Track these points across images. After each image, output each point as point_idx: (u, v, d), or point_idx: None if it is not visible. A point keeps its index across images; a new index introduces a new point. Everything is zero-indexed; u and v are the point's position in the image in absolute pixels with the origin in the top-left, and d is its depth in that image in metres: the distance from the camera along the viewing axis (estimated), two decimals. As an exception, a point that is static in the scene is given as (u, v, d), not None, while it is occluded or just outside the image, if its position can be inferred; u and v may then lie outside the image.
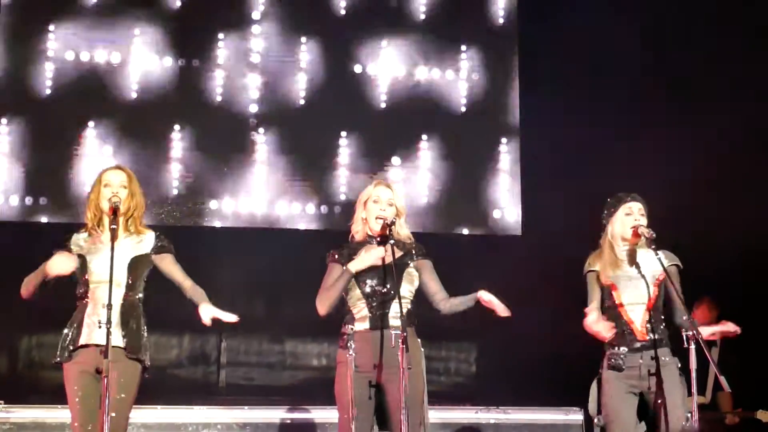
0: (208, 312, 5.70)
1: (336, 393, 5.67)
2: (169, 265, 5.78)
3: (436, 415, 7.62)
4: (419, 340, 5.75)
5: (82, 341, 5.55)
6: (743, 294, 8.73)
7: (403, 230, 5.86)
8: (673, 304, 5.96)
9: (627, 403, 5.83)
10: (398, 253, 5.78)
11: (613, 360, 5.86)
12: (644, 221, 6.00)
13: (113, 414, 5.40)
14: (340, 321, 5.81)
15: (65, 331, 5.64)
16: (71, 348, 5.57)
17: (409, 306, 5.76)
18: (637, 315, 5.91)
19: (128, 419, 5.64)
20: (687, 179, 8.96)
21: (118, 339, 5.55)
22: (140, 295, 5.73)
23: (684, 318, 5.72)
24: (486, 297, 5.75)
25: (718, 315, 8.57)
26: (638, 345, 5.87)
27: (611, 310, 5.96)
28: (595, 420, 5.90)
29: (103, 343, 5.33)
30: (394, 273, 5.63)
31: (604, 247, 6.06)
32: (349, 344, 5.58)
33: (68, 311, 5.71)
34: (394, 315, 5.61)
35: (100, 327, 5.43)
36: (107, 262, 5.44)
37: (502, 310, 5.75)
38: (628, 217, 6.00)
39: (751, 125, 9.15)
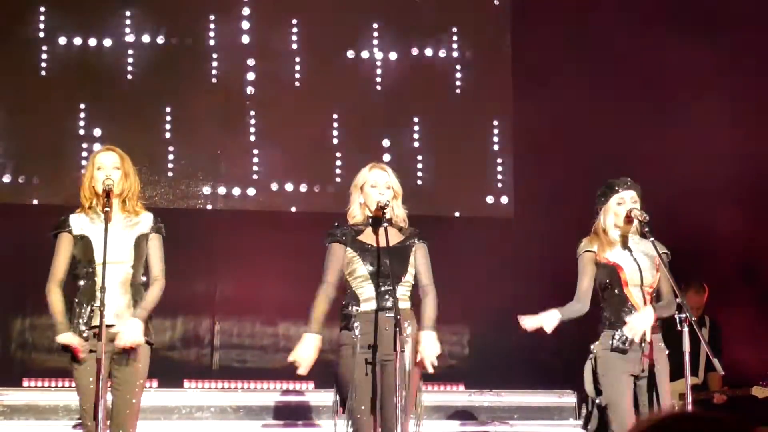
0: (130, 330, 5.57)
1: (339, 374, 5.68)
2: (154, 247, 5.74)
3: (429, 397, 7.63)
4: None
5: (97, 323, 5.51)
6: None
7: (400, 211, 5.87)
8: (660, 290, 6.00)
9: (629, 385, 5.86)
10: (400, 237, 5.80)
11: (617, 342, 5.85)
12: (638, 207, 5.99)
13: (134, 400, 5.52)
14: (334, 302, 5.82)
15: (75, 311, 5.61)
16: (87, 328, 5.55)
17: (411, 289, 5.80)
18: (638, 297, 5.92)
19: None
20: (685, 163, 8.98)
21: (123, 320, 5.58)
22: (143, 275, 5.73)
23: (677, 301, 5.74)
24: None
25: (706, 297, 8.63)
26: None
27: (617, 290, 5.94)
28: (597, 401, 5.89)
29: (116, 323, 5.45)
30: (398, 256, 5.67)
31: (597, 232, 6.06)
32: (354, 326, 5.60)
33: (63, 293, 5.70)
34: (397, 297, 5.60)
35: (93, 310, 5.44)
36: (111, 243, 5.45)
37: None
38: (621, 207, 6.00)
39: (747, 105, 9.18)
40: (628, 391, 5.85)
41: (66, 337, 5.54)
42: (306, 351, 5.68)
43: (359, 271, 5.75)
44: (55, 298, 5.64)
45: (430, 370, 5.71)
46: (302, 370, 5.69)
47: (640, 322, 5.80)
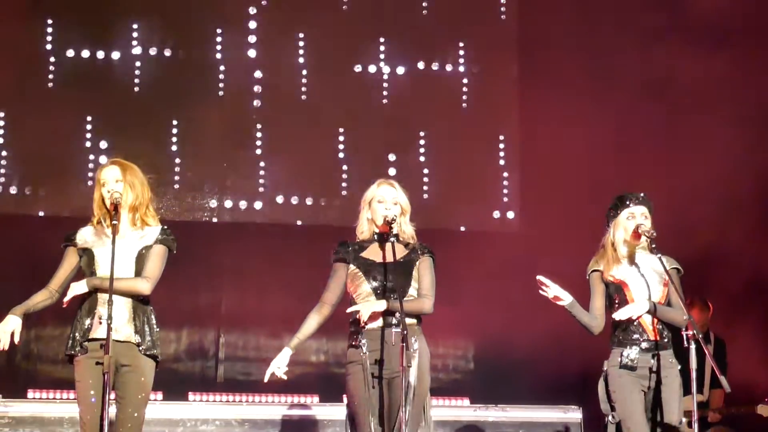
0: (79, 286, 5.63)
1: (348, 390, 5.69)
2: (152, 254, 5.69)
3: (435, 412, 7.57)
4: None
5: (95, 334, 5.52)
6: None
7: (408, 228, 5.87)
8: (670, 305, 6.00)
9: (639, 401, 5.87)
10: (404, 252, 5.79)
11: (626, 359, 5.88)
12: (648, 223, 5.99)
13: (136, 414, 5.52)
14: (338, 317, 5.82)
15: (75, 323, 5.63)
16: (83, 340, 5.56)
17: None
18: (646, 315, 5.92)
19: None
20: (689, 177, 8.98)
21: (129, 335, 5.56)
22: None
23: (684, 318, 5.75)
24: None
25: (711, 314, 8.62)
26: (648, 345, 5.89)
27: (622, 308, 5.96)
28: (609, 418, 5.90)
29: (116, 337, 5.39)
30: (401, 271, 5.66)
31: (606, 246, 6.06)
32: (362, 343, 5.60)
33: (69, 306, 5.70)
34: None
35: (101, 323, 5.44)
36: (115, 255, 5.45)
37: None
38: (630, 221, 6.00)
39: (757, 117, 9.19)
40: (639, 406, 5.87)
41: (7, 317, 5.58)
42: (274, 361, 5.77)
43: (363, 288, 5.76)
44: (36, 294, 5.69)
45: (349, 310, 5.71)
46: (266, 378, 5.79)
47: (629, 309, 5.84)
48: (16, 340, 5.58)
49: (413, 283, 5.77)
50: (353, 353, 5.68)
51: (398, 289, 5.59)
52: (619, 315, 5.88)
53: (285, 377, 5.79)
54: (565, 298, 5.93)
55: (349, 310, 5.72)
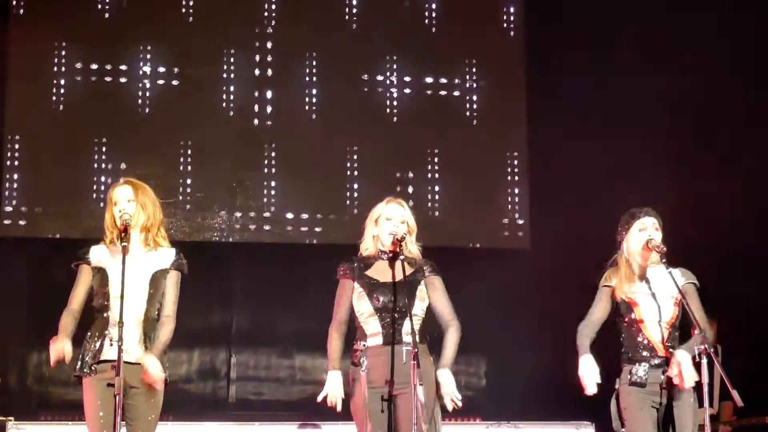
0: (153, 366, 5.50)
1: (351, 409, 5.68)
2: (170, 284, 5.68)
3: (446, 430, 7.56)
4: (432, 357, 5.76)
5: (105, 356, 5.51)
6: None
7: (414, 247, 5.87)
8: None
9: (650, 418, 5.85)
10: (409, 270, 5.79)
11: (635, 376, 5.86)
12: (659, 235, 5.97)
13: None
14: (349, 336, 5.82)
15: (85, 343, 5.61)
16: (93, 362, 5.55)
17: (421, 323, 5.76)
18: (655, 332, 5.90)
19: None
20: (701, 190, 8.97)
21: (140, 356, 5.51)
22: (157, 311, 5.68)
23: (696, 332, 5.72)
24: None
25: (717, 328, 8.60)
26: (658, 361, 5.87)
27: (631, 326, 5.94)
28: None
29: (126, 358, 5.35)
30: (405, 289, 5.64)
31: (620, 263, 6.04)
32: (361, 361, 5.60)
33: (79, 326, 5.69)
34: (406, 331, 5.61)
35: (111, 345, 5.43)
36: (126, 276, 5.43)
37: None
38: (642, 233, 5.98)
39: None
40: (650, 422, 5.84)
41: (56, 342, 5.48)
42: (334, 388, 5.69)
43: (365, 307, 5.75)
44: (64, 320, 5.59)
45: (450, 408, 5.67)
46: (339, 407, 5.69)
47: (687, 369, 5.75)
48: (67, 359, 5.49)
49: (417, 303, 5.76)
50: (354, 371, 5.68)
51: (399, 309, 5.60)
52: (671, 372, 5.78)
53: (341, 409, 5.71)
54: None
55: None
